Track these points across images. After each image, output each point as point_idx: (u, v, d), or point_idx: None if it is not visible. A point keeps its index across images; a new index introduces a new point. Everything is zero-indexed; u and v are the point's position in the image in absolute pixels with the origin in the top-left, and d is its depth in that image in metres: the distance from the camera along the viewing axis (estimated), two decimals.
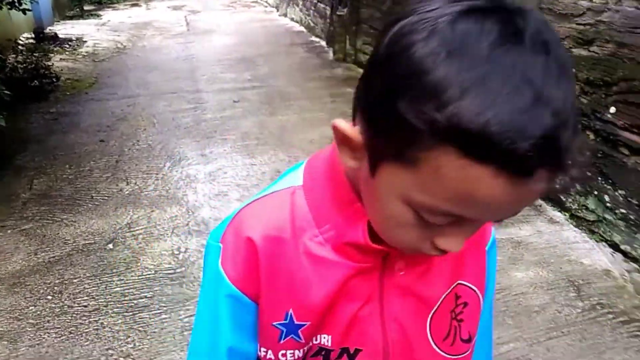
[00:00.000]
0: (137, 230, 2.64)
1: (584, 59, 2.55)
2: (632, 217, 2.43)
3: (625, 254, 2.50)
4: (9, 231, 2.63)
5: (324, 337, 0.67)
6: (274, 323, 0.65)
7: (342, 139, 0.55)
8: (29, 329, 1.99)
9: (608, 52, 2.39)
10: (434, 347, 0.69)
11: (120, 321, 2.02)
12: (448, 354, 0.70)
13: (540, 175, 0.43)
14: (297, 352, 0.66)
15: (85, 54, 6.26)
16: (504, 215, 0.50)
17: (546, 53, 0.43)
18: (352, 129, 0.53)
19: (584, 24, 2.51)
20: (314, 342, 0.67)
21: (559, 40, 0.45)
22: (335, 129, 0.55)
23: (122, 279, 2.27)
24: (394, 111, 0.45)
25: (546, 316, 2.13)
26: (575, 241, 2.64)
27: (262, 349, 0.67)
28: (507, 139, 0.40)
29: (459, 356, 0.71)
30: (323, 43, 7.06)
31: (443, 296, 0.68)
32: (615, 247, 2.55)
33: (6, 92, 3.02)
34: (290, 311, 0.65)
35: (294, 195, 0.64)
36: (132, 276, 2.29)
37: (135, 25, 8.40)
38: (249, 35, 7.70)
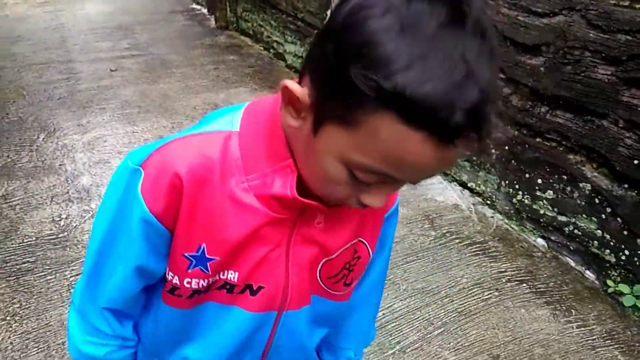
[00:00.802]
0: (13, 201, 2.59)
1: None
2: (474, 158, 2.85)
3: (471, 190, 2.94)
4: None
5: (231, 273, 0.72)
6: (186, 254, 0.69)
7: (289, 99, 0.59)
8: None
9: None
10: (319, 280, 0.78)
11: (4, 285, 2.04)
12: (328, 288, 0.79)
13: (462, 142, 0.50)
14: (202, 281, 0.71)
15: None
16: (425, 177, 0.58)
17: (482, 38, 0.49)
18: (301, 90, 0.57)
19: None
20: (221, 276, 0.72)
21: (494, 28, 0.52)
22: (285, 89, 0.58)
23: (2, 247, 2.25)
24: (345, 76, 0.49)
25: (404, 245, 2.48)
26: (431, 182, 3.03)
27: (170, 273, 0.72)
28: (441, 109, 0.47)
29: (337, 292, 0.81)
30: (204, 10, 6.98)
31: (342, 249, 0.76)
32: (463, 185, 2.98)
33: None
34: (204, 245, 0.69)
35: (228, 140, 0.67)
36: (12, 244, 2.28)
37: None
38: (124, 2, 7.37)
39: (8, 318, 1.91)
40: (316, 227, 0.72)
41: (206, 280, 0.71)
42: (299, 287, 0.76)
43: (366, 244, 0.80)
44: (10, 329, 1.88)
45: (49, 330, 1.88)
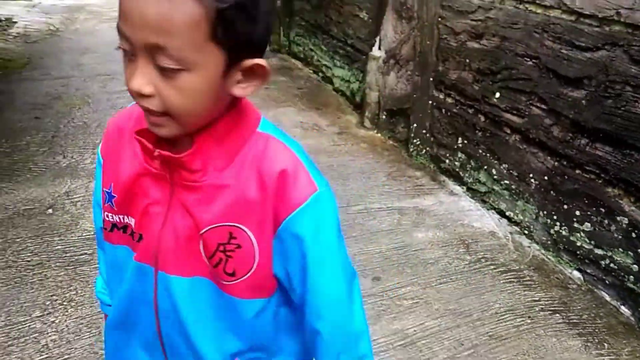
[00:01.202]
0: (75, 198, 2.81)
1: (475, 51, 3.00)
2: (513, 187, 2.89)
3: (509, 219, 2.96)
4: None
5: (131, 219, 0.81)
6: (104, 189, 0.84)
7: None
8: None
9: (494, 44, 2.84)
10: (204, 259, 0.78)
11: (62, 273, 2.22)
12: (214, 273, 0.79)
13: None
14: (114, 217, 0.83)
15: (16, 34, 6.16)
16: (161, 35, 0.60)
17: None
18: None
19: (476, 20, 2.95)
20: (125, 219, 0.81)
21: None
22: None
23: (63, 239, 2.45)
24: None
25: (439, 266, 2.53)
26: (469, 209, 3.08)
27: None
28: None
29: (223, 281, 0.79)
30: None
31: (212, 226, 0.75)
32: (501, 213, 3.01)
33: None
34: (112, 184, 0.82)
35: None
36: (72, 237, 2.48)
37: (68, 8, 8.24)
38: None
39: (65, 303, 2.08)
40: (191, 197, 0.75)
41: (117, 217, 0.81)
42: (174, 251, 0.77)
43: (249, 233, 0.76)
44: (67, 313, 2.05)
45: (101, 317, 2.03)
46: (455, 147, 3.28)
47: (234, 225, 0.75)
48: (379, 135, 3.99)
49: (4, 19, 6.87)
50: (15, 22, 6.76)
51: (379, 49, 3.86)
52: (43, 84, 4.58)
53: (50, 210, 2.67)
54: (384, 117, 3.93)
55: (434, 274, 2.47)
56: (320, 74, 5.41)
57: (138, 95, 0.66)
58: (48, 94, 4.34)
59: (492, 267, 2.59)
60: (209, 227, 0.76)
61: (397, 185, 3.25)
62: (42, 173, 3.05)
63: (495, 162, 2.98)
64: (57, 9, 8.15)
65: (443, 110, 3.37)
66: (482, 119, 3.03)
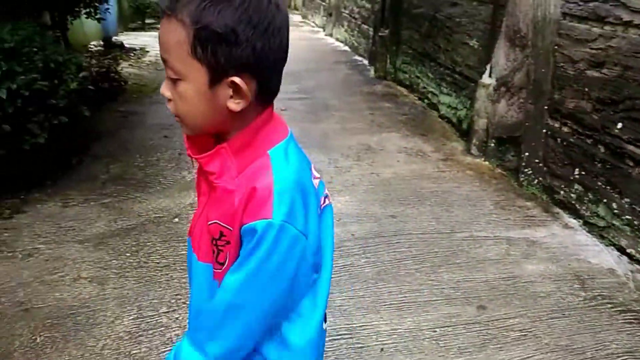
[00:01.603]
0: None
1: (595, 80, 2.87)
2: (636, 222, 2.70)
3: (630, 256, 2.76)
4: (92, 203, 3.12)
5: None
6: None
7: None
8: (113, 276, 2.44)
9: (616, 74, 2.70)
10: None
11: (186, 275, 2.44)
12: (214, 257, 0.89)
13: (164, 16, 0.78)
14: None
15: (148, 62, 6.90)
16: (165, 51, 0.79)
17: None
18: None
19: (596, 48, 2.84)
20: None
21: None
22: None
23: (185, 246, 2.69)
24: None
25: (550, 301, 2.42)
26: (585, 244, 2.91)
27: None
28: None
29: (215, 269, 0.89)
30: (365, 61, 7.50)
31: (211, 222, 0.86)
32: (621, 250, 2.81)
33: (90, 87, 3.55)
34: None
35: None
36: None
37: None
38: (296, 52, 8.16)
39: (188, 302, 2.28)
40: (212, 194, 0.86)
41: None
42: (198, 235, 0.91)
43: (232, 233, 0.84)
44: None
45: None
46: (571, 178, 3.13)
47: (224, 226, 0.84)
48: (487, 163, 3.91)
49: (138, 48, 7.72)
50: (148, 52, 7.56)
51: (490, 76, 3.82)
52: None
53: (176, 219, 2.95)
54: (492, 144, 3.86)
55: (545, 307, 2.37)
56: (426, 100, 5.43)
57: (165, 99, 0.84)
58: None
59: (609, 305, 2.43)
60: (210, 222, 0.86)
61: (505, 215, 3.17)
62: (170, 186, 3.38)
63: (616, 195, 2.81)
64: None
65: (558, 140, 3.24)
66: (602, 149, 2.88)
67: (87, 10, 5.14)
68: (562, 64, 3.16)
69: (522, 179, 3.53)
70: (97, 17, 5.38)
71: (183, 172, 3.57)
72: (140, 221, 2.93)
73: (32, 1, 4.41)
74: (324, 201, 0.96)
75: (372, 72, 6.83)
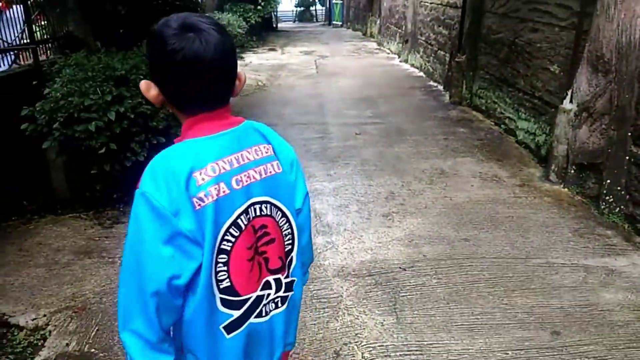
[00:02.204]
0: None
1: None
2: None
3: None
4: None
5: None
6: None
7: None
8: None
9: None
10: None
11: None
12: None
13: None
14: None
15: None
16: None
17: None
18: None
19: None
20: None
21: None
22: None
23: None
24: None
25: (628, 330, 2.35)
26: None
27: None
28: None
29: None
30: (440, 87, 7.54)
31: None
32: None
33: None
34: None
35: None
36: None
37: (272, 66, 9.54)
38: (371, 78, 8.42)
39: None
40: None
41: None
42: None
43: None
44: None
45: None
46: None
47: None
48: (566, 189, 3.82)
49: None
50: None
51: (571, 102, 3.77)
52: None
53: None
54: (572, 171, 3.78)
55: (623, 337, 2.31)
56: (503, 126, 5.38)
57: None
58: None
59: None
60: None
61: (584, 243, 3.09)
62: None
63: None
64: (264, 67, 9.49)
65: None
66: None
67: None
68: None
69: (602, 206, 3.43)
70: None
71: None
72: None
73: (134, 34, 4.92)
74: (210, 198, 0.99)
75: (447, 98, 6.85)
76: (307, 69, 9.46)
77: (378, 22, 13.18)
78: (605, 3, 3.38)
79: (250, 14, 12.21)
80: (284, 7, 24.16)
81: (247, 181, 1.04)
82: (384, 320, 2.40)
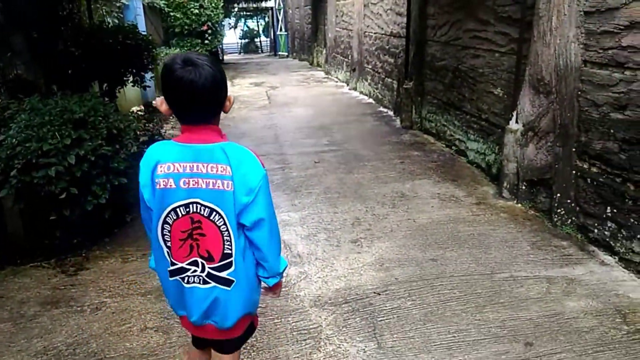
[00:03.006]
0: None
1: (620, 122, 3.04)
2: None
3: None
4: (148, 258, 3.34)
5: None
6: None
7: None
8: (177, 326, 2.61)
9: (639, 114, 2.87)
10: None
11: None
12: None
13: None
14: None
15: None
16: None
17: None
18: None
19: (618, 92, 3.02)
20: None
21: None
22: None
23: None
24: None
25: (594, 335, 2.50)
26: (623, 279, 2.99)
27: None
28: None
29: None
30: (391, 113, 7.80)
31: None
32: None
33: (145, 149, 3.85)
34: None
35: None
36: None
37: (243, 102, 9.54)
38: (323, 106, 8.59)
39: (248, 348, 2.44)
40: None
41: None
42: None
43: None
44: (250, 356, 2.40)
45: None
46: (604, 216, 3.24)
47: None
48: (519, 205, 4.04)
49: None
50: None
51: (516, 122, 4.02)
52: None
53: None
54: (523, 187, 4.00)
55: (590, 342, 2.45)
56: (454, 147, 5.63)
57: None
58: None
59: None
60: None
61: (542, 255, 3.27)
62: None
63: None
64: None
65: (588, 180, 3.38)
66: (632, 187, 3.00)
67: (134, 79, 5.59)
68: (586, 108, 3.34)
69: (555, 219, 3.65)
70: (142, 84, 5.83)
71: None
72: None
73: (87, 74, 4.85)
74: (161, 185, 1.44)
75: (398, 123, 7.10)
76: (259, 100, 9.54)
77: (324, 51, 13.50)
78: (542, 30, 3.66)
79: (198, 48, 12.24)
80: (228, 39, 24.28)
81: (193, 185, 1.43)
82: (366, 346, 2.44)
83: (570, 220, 3.57)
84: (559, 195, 3.64)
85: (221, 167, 1.41)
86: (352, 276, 3.07)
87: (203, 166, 1.41)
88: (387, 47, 8.11)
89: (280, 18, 21.06)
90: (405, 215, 3.95)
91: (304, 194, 4.48)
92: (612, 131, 3.12)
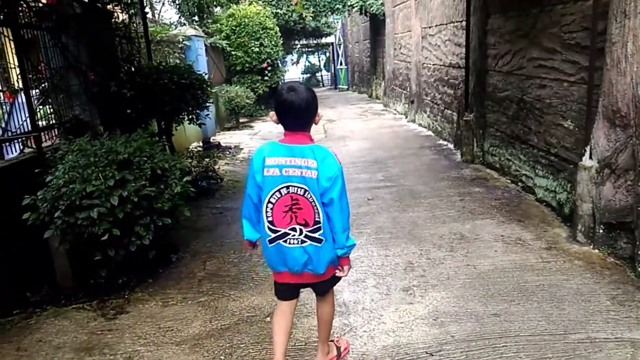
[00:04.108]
0: None
1: None
2: None
3: None
4: (189, 302, 3.22)
5: None
6: None
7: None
8: None
9: None
10: None
11: None
12: None
13: None
14: None
15: (242, 159, 7.33)
16: None
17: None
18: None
19: None
20: None
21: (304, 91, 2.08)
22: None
23: None
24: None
25: None
26: None
27: None
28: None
29: None
30: (450, 146, 7.44)
31: None
32: None
33: (192, 189, 3.79)
34: None
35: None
36: (288, 346, 2.66)
37: (280, 134, 9.52)
38: (380, 140, 8.38)
39: None
40: None
41: None
42: None
43: None
44: None
45: None
46: None
47: None
48: (596, 251, 3.58)
49: (233, 146, 8.27)
50: (242, 149, 8.07)
51: (590, 158, 3.61)
52: None
53: (268, 319, 2.94)
54: (601, 231, 3.55)
55: None
56: (520, 183, 5.20)
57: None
58: None
59: None
60: None
61: (625, 312, 2.82)
62: (261, 282, 3.42)
63: None
64: (273, 134, 9.51)
65: None
66: None
67: (190, 117, 5.65)
68: None
69: (639, 268, 3.18)
70: (198, 122, 5.89)
71: None
72: (234, 321, 2.95)
73: (143, 113, 4.93)
74: (269, 172, 2.08)
75: (458, 156, 6.74)
76: (315, 133, 9.43)
77: (383, 84, 13.38)
78: (615, 57, 3.29)
79: (258, 84, 12.46)
80: (291, 74, 24.87)
81: (291, 173, 2.06)
82: None
83: None
84: None
85: (310, 161, 2.04)
86: (401, 331, 2.77)
87: (298, 160, 2.04)
88: (446, 78, 7.83)
89: (340, 53, 21.30)
90: (465, 261, 3.60)
91: (354, 234, 4.19)
92: None
